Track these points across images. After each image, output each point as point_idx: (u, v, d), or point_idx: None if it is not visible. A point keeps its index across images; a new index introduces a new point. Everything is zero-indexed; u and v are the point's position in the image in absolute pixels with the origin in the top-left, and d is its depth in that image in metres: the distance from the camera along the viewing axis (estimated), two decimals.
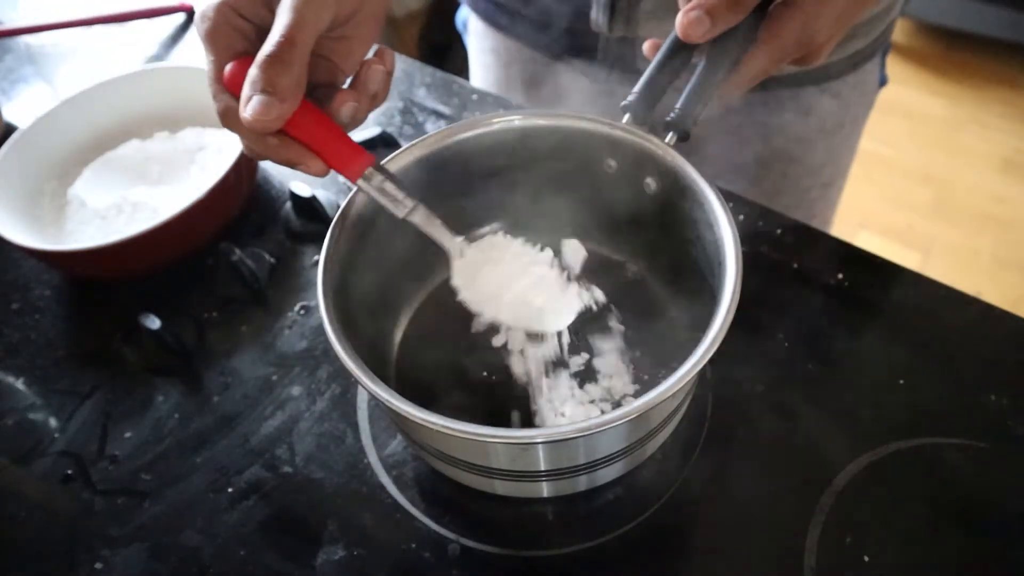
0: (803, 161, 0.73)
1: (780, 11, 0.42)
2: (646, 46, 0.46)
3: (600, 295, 0.50)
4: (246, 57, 0.36)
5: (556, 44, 0.71)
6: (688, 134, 0.45)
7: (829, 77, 0.68)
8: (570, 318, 0.46)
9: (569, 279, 0.47)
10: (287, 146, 0.38)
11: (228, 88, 0.37)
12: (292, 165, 0.39)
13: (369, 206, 0.46)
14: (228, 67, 0.37)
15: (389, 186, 0.41)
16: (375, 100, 0.41)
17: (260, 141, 0.38)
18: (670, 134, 0.45)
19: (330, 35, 0.39)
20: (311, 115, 0.38)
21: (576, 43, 0.69)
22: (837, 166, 0.76)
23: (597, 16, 0.63)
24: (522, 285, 0.46)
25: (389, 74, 0.41)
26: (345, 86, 0.41)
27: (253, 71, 0.35)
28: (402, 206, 0.42)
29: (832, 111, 0.70)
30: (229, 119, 0.38)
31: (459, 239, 0.44)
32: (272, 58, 0.35)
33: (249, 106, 0.35)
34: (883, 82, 0.74)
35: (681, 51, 0.44)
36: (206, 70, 0.38)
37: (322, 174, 0.40)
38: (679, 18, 0.42)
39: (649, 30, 0.63)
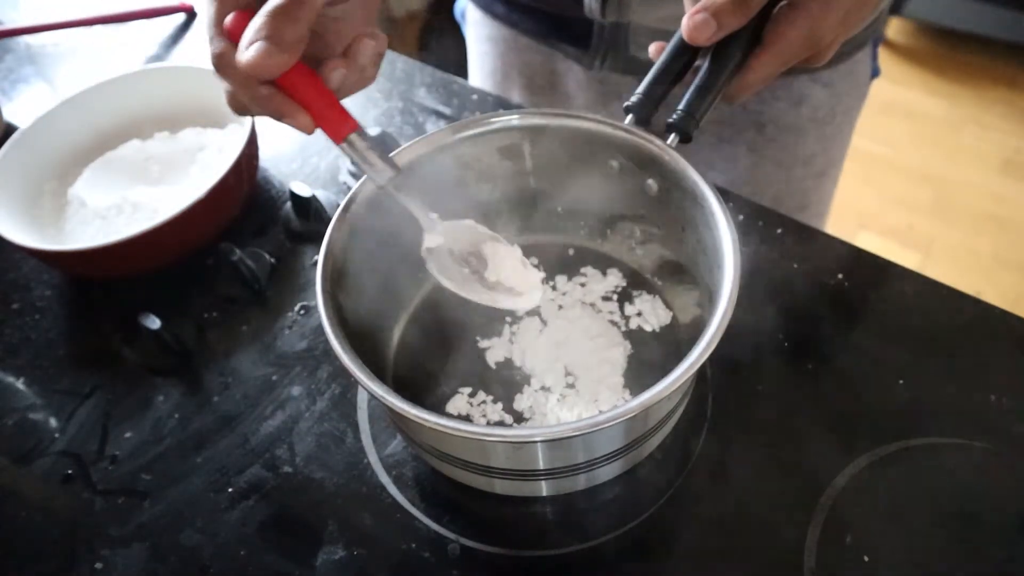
0: (795, 151, 0.73)
1: (785, 13, 0.42)
2: (652, 48, 0.46)
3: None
4: (248, 11, 0.37)
5: (550, 31, 0.71)
6: (690, 136, 0.45)
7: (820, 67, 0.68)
8: (534, 302, 0.47)
9: (527, 267, 0.48)
10: (277, 98, 0.39)
11: (228, 35, 0.38)
12: (279, 117, 0.39)
13: (369, 207, 0.46)
14: (231, 15, 0.38)
15: (371, 154, 0.42)
16: (364, 75, 0.41)
17: (251, 89, 0.38)
18: (672, 135, 0.45)
19: (327, 13, 0.40)
20: (305, 74, 0.39)
21: (569, 30, 0.69)
22: (830, 156, 0.77)
23: (590, 2, 0.63)
24: (488, 265, 0.47)
25: (380, 55, 0.42)
26: None
27: (259, 19, 0.36)
28: (382, 174, 0.42)
29: (824, 100, 0.70)
30: (222, 64, 0.38)
31: (433, 215, 0.45)
32: (281, 9, 0.36)
33: (251, 49, 0.36)
34: (875, 73, 0.74)
35: (685, 53, 0.44)
36: (208, 14, 0.38)
37: (308, 130, 0.40)
38: (684, 21, 0.42)
39: (641, 16, 0.63)
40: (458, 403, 0.50)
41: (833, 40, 0.43)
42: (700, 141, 0.73)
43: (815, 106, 0.70)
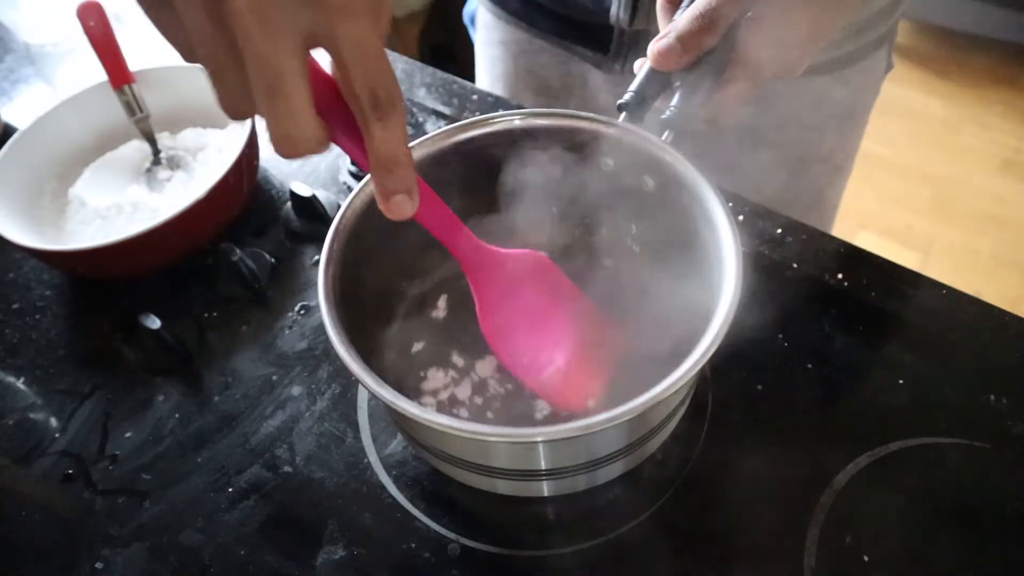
0: (816, 148, 0.73)
1: (749, 27, 0.42)
2: (636, 63, 0.46)
3: None
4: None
5: (568, 32, 0.71)
6: (684, 132, 0.44)
7: (840, 66, 0.68)
8: None
9: None
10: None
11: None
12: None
13: (372, 205, 0.46)
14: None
15: None
16: None
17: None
18: (667, 132, 0.45)
19: None
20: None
21: (589, 33, 0.69)
22: (847, 150, 0.77)
23: (618, 11, 0.63)
24: None
25: None
26: None
27: (399, 171, 0.34)
28: None
29: (843, 98, 0.70)
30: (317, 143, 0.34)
31: None
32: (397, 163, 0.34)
33: (397, 201, 0.35)
34: (889, 67, 0.75)
35: (660, 74, 0.44)
36: (299, 94, 0.31)
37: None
38: (650, 47, 0.42)
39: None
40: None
41: (803, 53, 0.43)
42: (721, 142, 0.73)
43: (835, 104, 0.70)
